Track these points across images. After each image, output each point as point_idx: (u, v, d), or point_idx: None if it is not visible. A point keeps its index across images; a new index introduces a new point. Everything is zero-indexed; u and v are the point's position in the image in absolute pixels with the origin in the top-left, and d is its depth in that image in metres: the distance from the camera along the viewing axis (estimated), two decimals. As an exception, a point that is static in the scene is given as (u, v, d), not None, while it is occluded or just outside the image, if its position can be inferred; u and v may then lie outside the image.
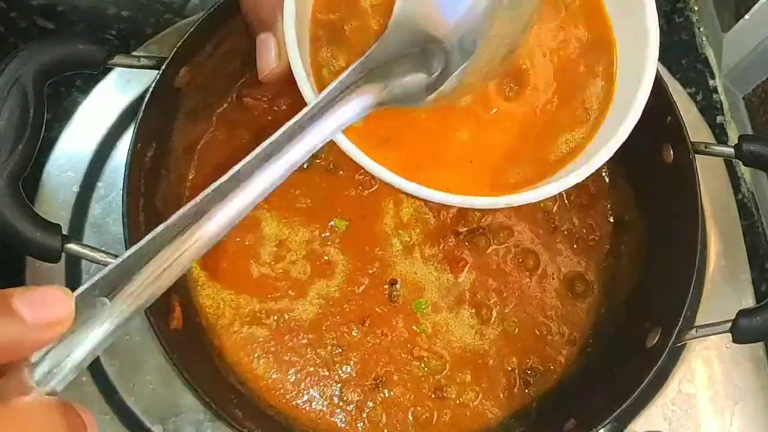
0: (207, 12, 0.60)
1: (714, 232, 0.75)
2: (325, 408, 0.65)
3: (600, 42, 0.49)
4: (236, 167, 0.39)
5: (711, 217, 0.75)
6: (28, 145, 0.54)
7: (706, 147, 0.61)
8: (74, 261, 0.68)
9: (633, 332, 0.63)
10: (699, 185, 0.60)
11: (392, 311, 0.67)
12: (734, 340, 0.58)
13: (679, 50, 0.85)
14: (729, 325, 0.58)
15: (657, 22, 0.47)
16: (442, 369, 0.66)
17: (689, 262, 0.60)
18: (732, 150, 0.61)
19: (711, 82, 0.84)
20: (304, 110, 0.42)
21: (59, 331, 0.33)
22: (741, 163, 0.62)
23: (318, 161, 0.70)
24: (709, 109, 0.83)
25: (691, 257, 0.60)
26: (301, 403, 0.65)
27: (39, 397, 0.32)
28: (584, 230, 0.71)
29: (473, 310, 0.68)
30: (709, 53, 0.85)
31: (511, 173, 0.47)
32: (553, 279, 0.69)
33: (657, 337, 0.60)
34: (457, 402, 0.66)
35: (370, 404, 0.66)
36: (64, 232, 0.55)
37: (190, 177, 0.69)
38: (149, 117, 0.58)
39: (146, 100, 0.58)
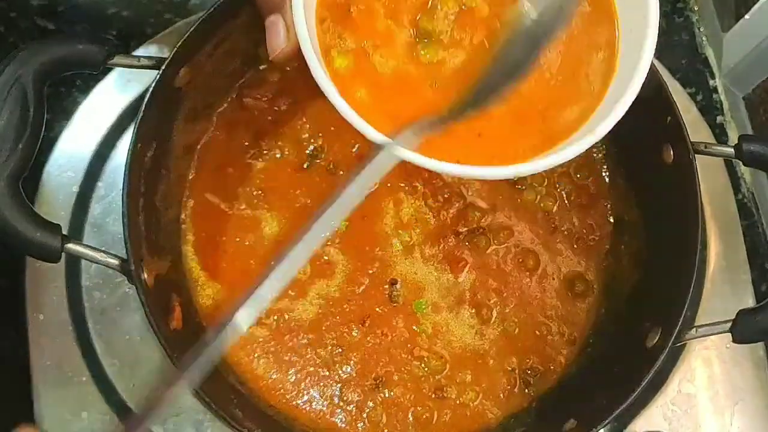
0: (207, 12, 0.60)
1: (714, 232, 0.75)
2: (325, 408, 0.65)
3: (601, 13, 0.50)
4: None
5: (711, 217, 0.75)
6: (28, 145, 0.54)
7: (706, 147, 0.61)
8: (74, 261, 0.68)
9: (633, 332, 0.63)
10: (699, 185, 0.60)
11: (392, 311, 0.67)
12: (734, 340, 0.58)
13: (679, 50, 0.85)
14: (729, 325, 0.58)
15: None
16: (442, 369, 0.66)
17: (689, 262, 0.60)
18: (732, 150, 0.61)
19: (711, 82, 0.84)
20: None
21: None
22: (741, 163, 0.62)
23: (318, 161, 0.70)
24: (709, 109, 0.83)
25: (691, 257, 0.60)
26: (301, 403, 0.65)
27: None
28: (584, 230, 0.71)
29: (473, 310, 0.68)
30: (709, 53, 0.85)
31: (518, 145, 0.49)
32: (553, 279, 0.69)
33: (657, 337, 0.60)
34: (457, 402, 0.66)
35: (370, 404, 0.66)
36: (64, 232, 0.55)
37: (190, 177, 0.69)
38: (149, 117, 0.58)
39: (146, 100, 0.58)
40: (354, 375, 0.66)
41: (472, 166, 0.46)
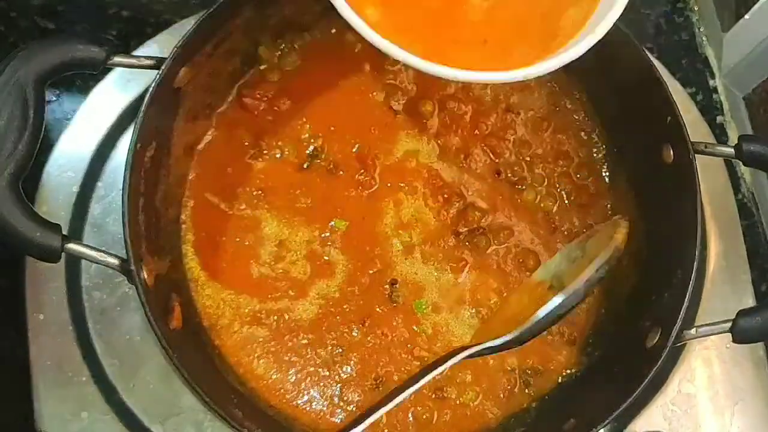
0: (207, 12, 0.60)
1: (714, 232, 0.75)
2: (325, 408, 0.65)
3: None
4: None
5: (711, 217, 0.75)
6: (28, 145, 0.54)
7: (706, 147, 0.61)
8: (74, 261, 0.68)
9: (633, 332, 0.63)
10: (699, 185, 0.60)
11: (392, 311, 0.67)
12: (734, 340, 0.58)
13: (679, 50, 0.85)
14: (729, 325, 0.58)
15: None
16: (442, 369, 0.66)
17: (689, 262, 0.60)
18: (732, 150, 0.61)
19: (711, 82, 0.84)
20: None
21: None
22: (741, 163, 0.62)
23: (318, 161, 0.70)
24: (709, 109, 0.83)
25: (691, 257, 0.60)
26: (302, 403, 0.65)
27: None
28: (584, 230, 0.71)
29: (473, 310, 0.68)
30: (709, 53, 0.85)
31: (521, 50, 0.50)
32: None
33: (657, 337, 0.60)
34: (457, 402, 0.66)
35: (371, 404, 0.65)
36: (64, 232, 0.55)
37: (190, 177, 0.69)
38: (149, 117, 0.58)
39: (146, 100, 0.58)
40: (354, 375, 0.66)
41: (480, 72, 0.48)
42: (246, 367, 0.66)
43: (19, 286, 0.68)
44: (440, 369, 0.57)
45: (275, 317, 0.66)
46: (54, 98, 0.76)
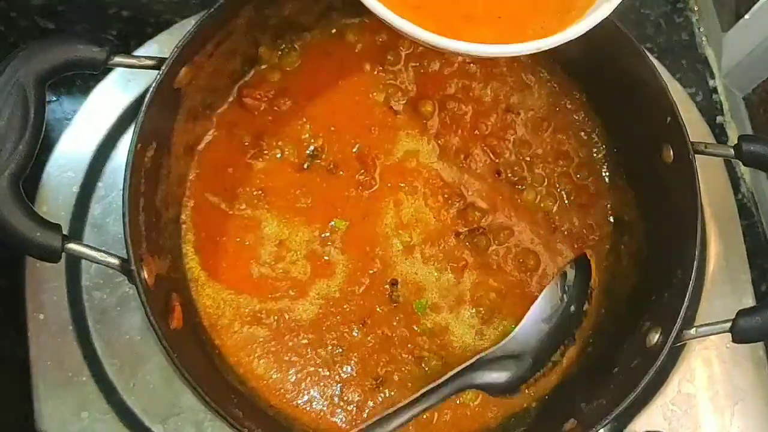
0: (207, 12, 0.60)
1: (714, 232, 0.75)
2: (325, 408, 0.65)
3: None
4: None
5: (711, 217, 0.75)
6: (28, 145, 0.54)
7: (705, 147, 0.61)
8: (74, 261, 0.68)
9: (633, 332, 0.63)
10: (699, 185, 0.60)
11: (393, 311, 0.67)
12: (734, 340, 0.58)
13: (679, 50, 0.85)
14: (729, 325, 0.58)
15: None
16: (442, 369, 0.66)
17: (689, 262, 0.60)
18: (732, 150, 0.61)
19: (711, 82, 0.84)
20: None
21: None
22: (741, 163, 0.62)
23: (318, 161, 0.70)
24: (709, 109, 0.83)
25: (691, 257, 0.60)
26: (302, 403, 0.65)
27: None
28: (584, 230, 0.71)
29: (474, 310, 0.68)
30: (709, 53, 0.85)
31: (536, 25, 0.50)
32: (554, 279, 0.69)
33: (657, 337, 0.60)
34: (457, 402, 0.66)
35: (371, 404, 0.66)
36: (65, 232, 0.55)
37: (191, 177, 0.69)
38: (150, 117, 0.58)
39: (147, 100, 0.58)
40: (354, 375, 0.66)
41: (497, 45, 0.48)
42: (246, 366, 0.66)
43: (19, 286, 0.68)
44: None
45: (275, 317, 0.66)
46: (54, 98, 0.76)
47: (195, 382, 0.56)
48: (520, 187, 0.71)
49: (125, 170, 0.57)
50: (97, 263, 0.56)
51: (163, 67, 0.58)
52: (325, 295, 0.67)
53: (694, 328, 0.59)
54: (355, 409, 0.65)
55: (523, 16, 0.51)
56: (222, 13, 0.61)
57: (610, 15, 0.50)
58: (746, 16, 0.78)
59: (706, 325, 0.59)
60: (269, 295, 0.67)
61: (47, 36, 0.78)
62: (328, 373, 0.66)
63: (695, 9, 0.87)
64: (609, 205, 0.72)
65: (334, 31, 0.72)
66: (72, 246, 0.55)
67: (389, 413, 0.61)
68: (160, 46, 0.74)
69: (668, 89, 0.62)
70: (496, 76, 0.73)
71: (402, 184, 0.70)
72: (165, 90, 0.59)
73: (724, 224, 0.76)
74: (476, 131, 0.72)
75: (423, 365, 0.66)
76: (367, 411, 0.65)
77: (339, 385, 0.66)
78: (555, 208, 0.71)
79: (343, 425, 0.65)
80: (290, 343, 0.66)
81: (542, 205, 0.71)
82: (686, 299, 0.58)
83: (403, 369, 0.66)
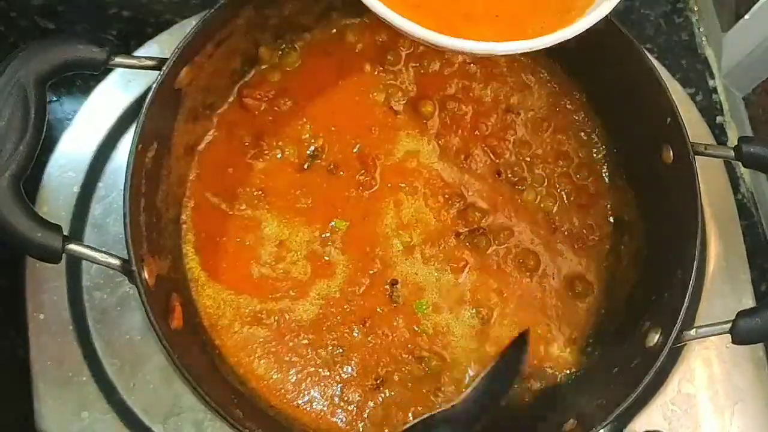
0: (207, 12, 0.60)
1: (714, 232, 0.75)
2: (325, 408, 0.65)
3: None
4: None
5: (711, 217, 0.75)
6: (29, 146, 0.54)
7: (705, 148, 0.61)
8: (75, 261, 0.68)
9: (633, 332, 0.63)
10: (699, 186, 0.61)
11: (393, 311, 0.67)
12: (734, 341, 0.58)
13: (679, 50, 0.85)
14: (729, 325, 0.58)
15: None
16: (442, 369, 0.66)
17: (689, 262, 0.60)
18: (732, 152, 0.61)
19: (711, 82, 0.84)
20: None
21: None
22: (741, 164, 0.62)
23: (318, 161, 0.70)
24: (709, 109, 0.83)
25: (691, 257, 0.60)
26: (302, 403, 0.65)
27: None
28: (584, 230, 0.71)
29: (474, 311, 0.68)
30: (709, 53, 0.86)
31: (535, 24, 0.51)
32: (554, 279, 0.69)
33: (657, 337, 0.60)
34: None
35: (371, 404, 0.66)
36: (65, 232, 0.55)
37: (191, 177, 0.69)
38: (150, 117, 0.58)
39: (147, 100, 0.58)
40: (354, 375, 0.66)
41: (495, 42, 0.49)
42: (246, 367, 0.66)
43: (19, 286, 0.68)
44: None
45: (276, 317, 0.67)
46: (55, 98, 0.76)
47: (195, 382, 0.56)
48: (520, 187, 0.71)
49: (126, 171, 0.57)
50: (98, 264, 0.56)
51: (163, 68, 0.58)
52: (325, 295, 0.67)
53: (694, 329, 0.59)
54: (355, 409, 0.66)
55: (523, 16, 0.51)
56: (222, 14, 0.61)
57: (609, 14, 0.50)
58: (746, 17, 0.78)
59: (706, 326, 0.59)
60: (269, 296, 0.67)
61: (47, 36, 0.78)
62: (328, 374, 0.66)
63: (695, 9, 0.87)
64: (609, 206, 0.72)
65: (334, 31, 0.72)
66: (72, 246, 0.55)
67: None
68: (161, 46, 0.74)
69: (668, 89, 0.62)
70: (496, 76, 0.73)
71: (402, 185, 0.70)
72: (166, 90, 0.59)
73: (724, 224, 0.76)
74: (476, 131, 0.72)
75: (423, 365, 0.66)
76: (367, 411, 0.65)
77: (339, 385, 0.66)
78: (555, 209, 0.71)
79: (344, 425, 0.65)
80: (290, 344, 0.66)
81: (542, 205, 0.71)
82: (686, 299, 0.59)
83: (403, 369, 0.66)
